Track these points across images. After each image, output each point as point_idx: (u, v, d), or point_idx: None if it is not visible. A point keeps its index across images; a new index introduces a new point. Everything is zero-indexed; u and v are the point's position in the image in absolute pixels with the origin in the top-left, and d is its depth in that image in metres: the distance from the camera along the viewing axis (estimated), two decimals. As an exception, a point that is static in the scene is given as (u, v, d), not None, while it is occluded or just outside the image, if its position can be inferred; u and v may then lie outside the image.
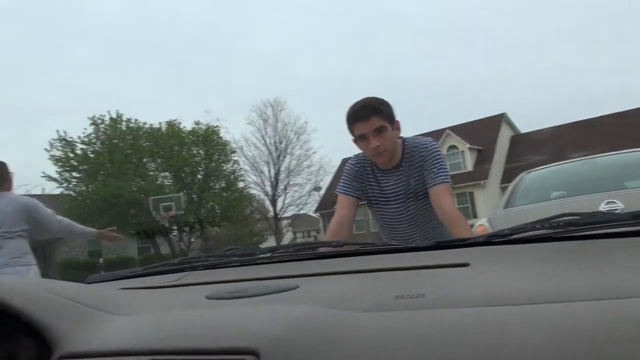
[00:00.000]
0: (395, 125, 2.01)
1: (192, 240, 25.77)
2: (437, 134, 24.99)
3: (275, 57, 54.74)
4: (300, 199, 30.37)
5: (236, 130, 51.60)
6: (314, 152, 30.38)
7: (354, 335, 0.55)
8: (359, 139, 2.01)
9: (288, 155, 29.79)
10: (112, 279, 1.19)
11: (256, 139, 29.50)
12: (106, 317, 0.74)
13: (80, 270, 19.46)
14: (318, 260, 1.04)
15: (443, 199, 1.92)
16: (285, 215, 30.78)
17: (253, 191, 29.30)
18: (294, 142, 29.82)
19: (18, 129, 47.54)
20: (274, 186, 29.54)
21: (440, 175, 1.96)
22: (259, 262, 1.08)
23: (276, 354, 0.53)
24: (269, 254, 1.09)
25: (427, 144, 2.04)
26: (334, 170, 31.20)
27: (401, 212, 2.10)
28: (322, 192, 30.96)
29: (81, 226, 3.92)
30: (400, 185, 2.07)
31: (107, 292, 0.93)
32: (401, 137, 2.08)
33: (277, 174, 29.53)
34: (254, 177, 29.31)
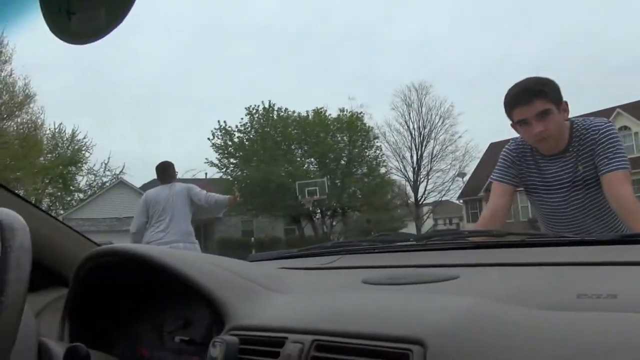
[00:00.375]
0: (562, 106, 1.80)
1: (334, 223, 26.68)
2: (605, 113, 22.19)
3: (419, 43, 53.55)
4: (443, 185, 29.48)
5: (379, 116, 51.69)
6: (459, 137, 29.07)
7: (531, 334, 0.49)
8: (519, 124, 1.84)
9: (432, 140, 29.05)
10: (271, 259, 1.26)
11: (399, 124, 29.27)
12: (270, 294, 0.78)
13: (235, 248, 21.44)
14: (478, 250, 0.98)
15: (619, 187, 1.68)
16: (427, 201, 30.17)
17: (394, 177, 29.23)
18: (439, 127, 28.93)
19: (186, 120, 53.62)
20: (416, 172, 29.08)
21: (616, 160, 1.71)
22: (413, 248, 1.05)
23: (444, 345, 0.50)
24: (423, 241, 1.06)
25: (601, 125, 1.79)
26: (480, 155, 29.67)
27: (566, 202, 1.89)
28: (467, 178, 29.65)
29: (220, 196, 4.49)
30: (566, 173, 1.85)
31: (269, 270, 0.98)
32: (569, 119, 1.85)
33: (419, 159, 29.00)
34: (396, 163, 29.17)
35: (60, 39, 0.57)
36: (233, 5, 55.56)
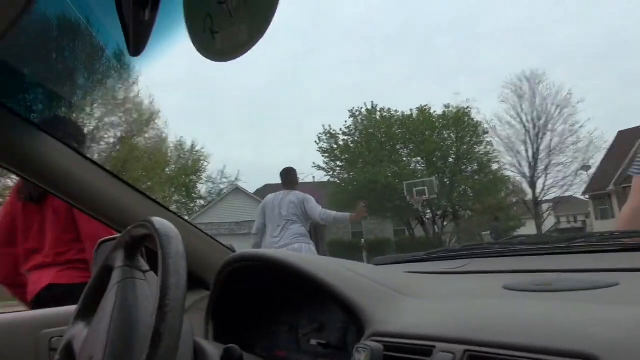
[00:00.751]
0: None
1: (445, 224, 25.85)
2: None
3: (526, 29, 49.98)
4: (564, 180, 27.14)
5: (488, 109, 49.21)
6: (580, 126, 26.49)
7: None
8: None
9: (548, 132, 26.91)
10: (394, 262, 1.25)
11: (510, 117, 27.55)
12: (407, 299, 0.77)
13: (346, 250, 21.69)
14: (634, 252, 0.87)
15: None
16: (546, 198, 27.99)
17: (508, 173, 27.55)
18: (555, 117, 26.74)
19: (294, 126, 55.56)
20: (533, 167, 27.12)
21: None
22: (555, 251, 0.97)
23: None
24: (566, 243, 0.97)
25: None
26: (606, 145, 26.87)
27: None
28: (592, 171, 27.02)
29: (338, 213, 4.60)
30: None
31: (400, 275, 0.97)
32: None
33: (535, 153, 27.03)
34: (509, 158, 27.47)
35: (206, 57, 0.61)
36: (329, 8, 56.37)
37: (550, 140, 26.86)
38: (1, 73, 1.10)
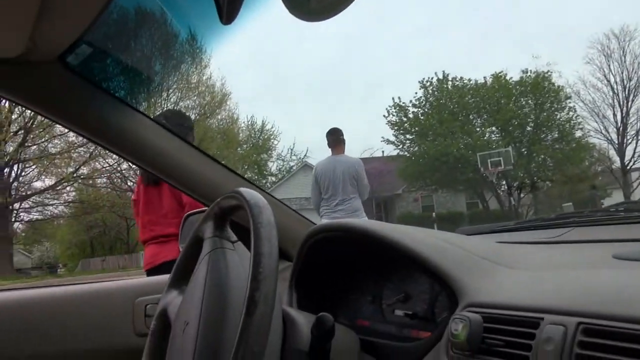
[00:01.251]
0: None
1: (522, 195, 24.69)
2: None
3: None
4: (658, 146, 24.89)
5: (570, 72, 45.68)
6: (677, 86, 24.04)
7: None
8: None
9: (640, 94, 24.67)
10: (482, 232, 1.19)
11: (597, 79, 25.48)
12: (505, 270, 0.72)
13: (416, 224, 21.35)
14: None
15: None
16: (637, 165, 25.84)
17: (593, 140, 25.65)
18: (650, 76, 24.40)
19: (361, 100, 55.00)
20: (622, 133, 25.07)
21: None
22: None
23: None
24: None
25: None
26: None
27: None
28: (690, 135, 24.57)
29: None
30: None
31: (492, 245, 0.91)
32: None
33: (625, 117, 24.92)
34: (594, 124, 25.53)
35: (299, 17, 0.59)
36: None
37: (643, 102, 24.62)
38: (92, 58, 1.15)
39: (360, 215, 4.22)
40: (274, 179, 32.13)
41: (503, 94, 23.65)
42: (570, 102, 24.39)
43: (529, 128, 24.03)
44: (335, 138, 4.32)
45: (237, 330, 0.55)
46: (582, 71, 41.34)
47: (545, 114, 23.71)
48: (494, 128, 24.44)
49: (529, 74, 23.94)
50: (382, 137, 26.16)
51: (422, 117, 24.84)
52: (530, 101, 23.88)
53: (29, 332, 1.10)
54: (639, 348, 0.46)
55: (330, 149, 4.33)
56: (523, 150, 23.44)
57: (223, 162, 1.27)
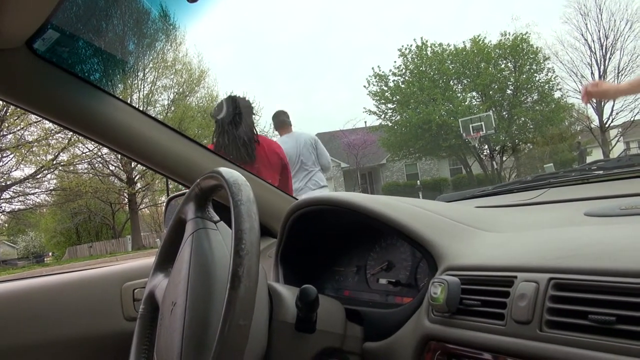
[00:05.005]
0: None
1: (504, 159, 24.99)
2: None
3: None
4: (636, 102, 25.22)
5: (549, 33, 45.71)
6: (652, 42, 24.20)
7: None
8: None
9: (617, 51, 24.74)
10: (462, 199, 1.21)
11: (574, 38, 25.50)
12: (480, 233, 0.74)
13: (402, 193, 21.60)
14: None
15: None
16: (615, 123, 26.22)
17: (572, 100, 25.89)
18: (625, 34, 24.45)
19: (342, 72, 54.53)
20: (599, 91, 25.26)
21: None
22: (634, 175, 0.90)
23: None
24: None
25: None
26: (685, 60, 24.52)
27: None
28: (667, 90, 24.83)
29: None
30: None
31: (470, 210, 0.94)
32: None
33: (602, 75, 25.07)
34: (573, 84, 25.66)
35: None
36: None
37: (619, 59, 24.80)
38: (61, 42, 1.12)
39: (325, 187, 4.27)
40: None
41: (482, 58, 23.64)
42: (549, 64, 24.52)
43: (509, 91, 24.15)
44: (280, 120, 4.35)
45: (223, 306, 0.56)
46: (560, 31, 41.41)
47: (524, 76, 23.82)
48: (474, 93, 24.51)
49: (507, 36, 23.92)
50: (364, 108, 26.11)
51: (402, 86, 24.76)
52: (509, 64, 23.93)
53: (20, 322, 1.10)
54: (608, 299, 0.48)
55: (277, 132, 4.36)
56: (504, 113, 23.61)
57: (205, 141, 1.26)
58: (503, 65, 24.03)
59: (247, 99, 2.80)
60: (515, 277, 0.56)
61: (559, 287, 0.52)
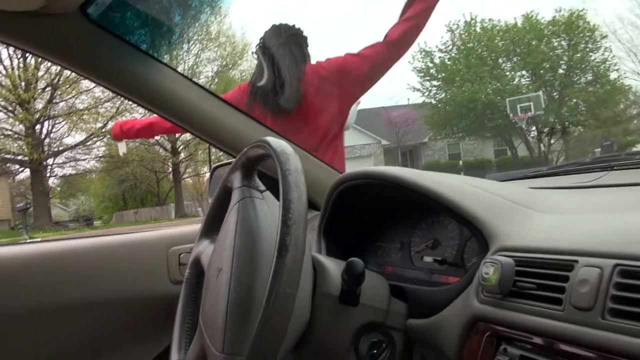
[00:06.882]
0: None
1: (553, 142, 24.08)
2: None
3: None
4: (700, 86, 23.64)
5: (607, 10, 43.17)
6: None
7: None
8: None
9: (682, 31, 23.23)
10: (513, 179, 1.16)
11: (635, 15, 24.07)
12: (537, 214, 0.71)
13: (442, 172, 21.19)
14: None
15: None
16: (676, 108, 24.71)
17: (630, 81, 24.49)
18: (692, 12, 22.87)
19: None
20: (660, 73, 23.83)
21: None
22: None
23: None
24: None
25: None
26: None
27: None
28: None
29: None
30: None
31: (525, 190, 0.90)
32: None
33: (665, 55, 23.61)
34: (632, 65, 24.24)
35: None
36: None
37: (684, 40, 23.20)
38: (113, 9, 1.13)
39: None
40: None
41: (534, 35, 22.59)
42: (606, 42, 23.16)
43: (561, 71, 23.05)
44: None
45: (269, 274, 0.56)
46: (620, 7, 38.96)
47: (578, 55, 22.63)
48: (524, 72, 23.54)
49: (562, 12, 22.73)
50: (408, 84, 25.58)
51: (448, 62, 24.05)
52: (563, 42, 22.78)
53: (71, 280, 1.15)
54: None
55: None
56: (554, 94, 22.64)
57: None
58: (556, 43, 22.89)
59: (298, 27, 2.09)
60: (576, 261, 0.53)
61: (625, 274, 0.49)
